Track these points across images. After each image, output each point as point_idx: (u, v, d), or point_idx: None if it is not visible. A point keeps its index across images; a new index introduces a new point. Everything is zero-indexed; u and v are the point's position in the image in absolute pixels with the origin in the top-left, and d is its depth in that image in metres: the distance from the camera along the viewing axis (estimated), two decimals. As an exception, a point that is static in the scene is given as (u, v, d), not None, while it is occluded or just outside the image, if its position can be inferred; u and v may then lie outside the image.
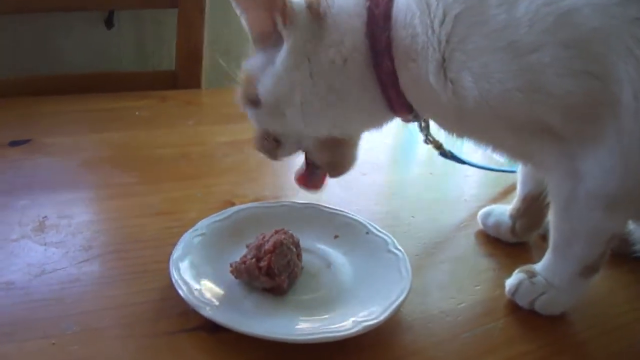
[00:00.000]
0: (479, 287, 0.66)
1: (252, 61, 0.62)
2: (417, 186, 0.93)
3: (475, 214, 0.80)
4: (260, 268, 0.56)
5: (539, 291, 0.61)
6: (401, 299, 0.56)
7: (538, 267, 0.63)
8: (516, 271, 0.64)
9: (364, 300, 0.57)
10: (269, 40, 0.60)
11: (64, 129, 0.96)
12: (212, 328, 0.54)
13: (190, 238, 0.62)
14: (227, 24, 1.40)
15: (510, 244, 0.75)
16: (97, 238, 0.67)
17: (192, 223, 0.68)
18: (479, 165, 0.91)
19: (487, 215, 0.78)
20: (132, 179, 0.82)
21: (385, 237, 0.67)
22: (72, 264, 0.62)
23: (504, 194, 0.92)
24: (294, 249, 0.59)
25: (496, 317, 0.62)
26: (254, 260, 0.56)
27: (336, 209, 0.72)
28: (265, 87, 0.60)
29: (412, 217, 0.81)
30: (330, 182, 0.77)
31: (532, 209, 0.73)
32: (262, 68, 0.61)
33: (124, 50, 1.35)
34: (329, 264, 0.64)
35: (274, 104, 0.61)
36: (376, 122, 0.65)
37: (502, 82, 0.51)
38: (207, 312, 0.52)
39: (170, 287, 0.57)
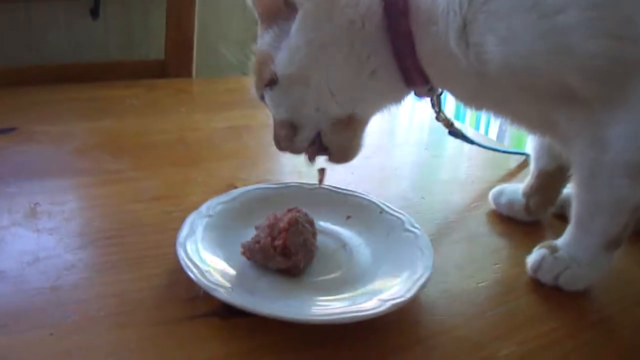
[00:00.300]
0: (498, 266, 0.64)
1: (263, 40, 0.60)
2: (422, 168, 0.90)
3: (484, 194, 0.79)
4: (275, 247, 0.52)
5: (563, 266, 0.59)
6: (426, 276, 0.53)
7: (559, 242, 0.61)
8: (537, 247, 0.62)
9: (386, 279, 0.54)
10: (278, 15, 0.58)
11: (51, 118, 0.91)
12: (224, 313, 0.50)
13: (195, 220, 0.58)
14: (216, 12, 1.37)
15: (522, 223, 0.73)
16: (92, 224, 0.63)
17: (194, 207, 0.64)
18: (486, 146, 0.89)
19: (499, 194, 0.76)
20: (126, 165, 0.77)
21: (401, 216, 0.63)
22: (67, 250, 0.58)
23: (509, 176, 0.91)
24: (310, 227, 0.55)
25: (518, 294, 0.59)
26: (268, 239, 0.52)
27: (346, 190, 0.69)
28: (282, 61, 0.57)
29: (422, 198, 0.78)
30: (333, 167, 0.75)
31: (546, 185, 0.72)
32: (275, 44, 0.58)
33: (111, 41, 1.31)
34: (344, 244, 0.60)
35: (293, 78, 0.58)
36: (390, 96, 0.62)
37: (528, 45, 0.49)
38: (221, 294, 0.48)
39: (176, 273, 0.54)
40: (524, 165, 0.92)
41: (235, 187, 0.70)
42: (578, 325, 0.56)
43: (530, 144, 0.73)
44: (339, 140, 0.62)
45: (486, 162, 0.99)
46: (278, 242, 0.52)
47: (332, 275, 0.55)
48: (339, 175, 0.82)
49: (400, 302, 0.49)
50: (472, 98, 0.60)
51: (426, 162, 0.92)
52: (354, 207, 0.66)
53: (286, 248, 0.52)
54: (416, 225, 0.62)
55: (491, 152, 0.94)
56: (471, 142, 0.83)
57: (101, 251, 0.58)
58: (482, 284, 0.60)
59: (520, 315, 0.57)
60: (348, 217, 0.65)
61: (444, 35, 0.52)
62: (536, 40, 0.49)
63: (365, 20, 0.55)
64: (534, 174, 0.73)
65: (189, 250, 0.53)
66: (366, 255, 0.59)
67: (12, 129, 0.84)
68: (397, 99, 0.62)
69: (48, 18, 1.22)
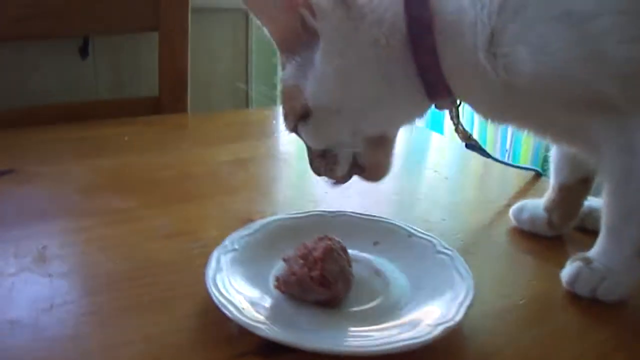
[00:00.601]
0: (531, 282, 0.63)
1: (287, 72, 0.59)
2: (436, 190, 0.88)
3: (502, 212, 0.78)
4: (312, 278, 0.49)
5: (600, 277, 0.57)
6: (470, 297, 0.51)
7: (592, 253, 0.60)
8: (570, 261, 0.60)
9: (428, 304, 0.51)
10: (299, 44, 0.57)
11: (49, 158, 0.88)
12: (265, 351, 0.46)
13: (221, 255, 0.55)
14: (205, 48, 1.36)
15: (545, 238, 0.71)
16: (107, 266, 0.59)
17: (213, 243, 0.61)
18: (501, 160, 0.88)
19: (520, 210, 0.74)
20: (134, 203, 0.74)
21: (431, 239, 0.61)
22: (83, 295, 0.54)
23: (521, 193, 0.89)
24: (344, 255, 0.52)
25: (558, 310, 0.58)
26: (305, 270, 0.49)
27: (370, 215, 0.66)
28: (313, 93, 0.56)
29: (443, 220, 0.76)
30: (351, 192, 0.74)
31: (568, 198, 0.71)
32: (301, 75, 0.57)
33: (100, 80, 1.28)
34: (377, 271, 0.58)
35: (327, 107, 0.57)
36: (416, 110, 0.61)
37: (561, 53, 0.49)
38: (262, 331, 0.45)
39: (206, 312, 0.51)
40: (534, 181, 0.92)
41: (252, 220, 0.67)
42: (625, 336, 0.54)
43: (551, 157, 0.72)
44: (374, 158, 0.61)
45: (496, 180, 0.99)
46: (315, 273, 0.49)
47: (372, 304, 0.52)
48: (354, 202, 0.80)
49: (451, 326, 0.46)
50: (496, 111, 0.59)
51: (438, 184, 0.90)
52: (380, 233, 0.63)
53: (324, 278, 0.49)
54: (448, 247, 0.60)
55: (499, 170, 0.93)
56: (487, 155, 0.82)
57: (121, 294, 0.54)
58: (521, 302, 0.58)
59: (565, 330, 0.55)
60: (376, 243, 0.62)
61: (471, 48, 0.52)
62: (568, 48, 0.49)
63: (390, 38, 0.54)
64: (554, 188, 0.72)
65: (220, 288, 0.50)
66: (402, 281, 0.56)
67: (9, 171, 0.80)
68: (422, 112, 0.62)
69: (36, 58, 1.19)
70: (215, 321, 0.50)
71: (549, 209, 0.71)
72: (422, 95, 0.58)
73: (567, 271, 0.59)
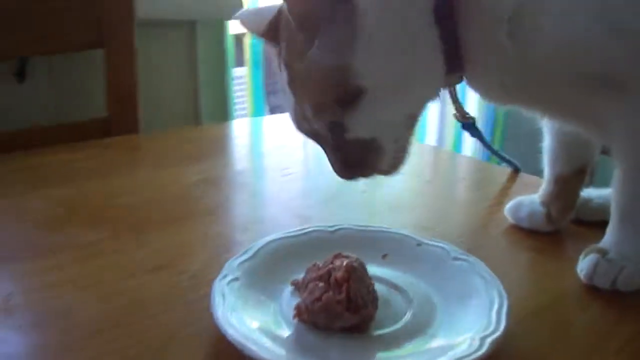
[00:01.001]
0: (548, 281, 0.61)
1: (320, 54, 0.50)
2: (422, 196, 0.85)
3: (494, 211, 0.76)
4: (339, 302, 0.43)
5: (618, 267, 0.56)
6: (506, 303, 0.47)
7: (605, 244, 0.58)
8: (584, 254, 0.58)
9: (464, 317, 0.47)
10: (325, 19, 0.50)
11: (-2, 191, 0.78)
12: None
13: (223, 288, 0.48)
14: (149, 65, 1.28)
15: (544, 234, 0.69)
16: (88, 310, 0.51)
17: (203, 273, 0.56)
18: (491, 147, 0.87)
19: (517, 208, 0.72)
20: (103, 235, 0.66)
21: (443, 245, 0.57)
22: (65, 348, 0.46)
23: (506, 190, 0.88)
24: (367, 273, 0.47)
25: (583, 305, 0.56)
26: (330, 294, 0.44)
27: (370, 226, 0.62)
28: (368, 67, 0.49)
29: (440, 225, 0.72)
30: (336, 206, 0.76)
31: (565, 190, 0.69)
32: (344, 52, 0.49)
33: (41, 104, 1.17)
34: (394, 286, 0.53)
35: (386, 82, 0.51)
36: (441, 80, 0.57)
37: (583, 25, 0.49)
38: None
39: (218, 355, 0.45)
40: (514, 177, 0.90)
41: (240, 244, 0.61)
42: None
43: (545, 150, 0.71)
44: (408, 144, 0.56)
45: (477, 180, 0.97)
46: (341, 296, 0.44)
47: (401, 324, 0.47)
48: (342, 214, 0.75)
49: (499, 337, 0.42)
50: (505, 90, 0.56)
51: (422, 189, 0.87)
52: (386, 244, 0.59)
53: (352, 301, 0.44)
54: (463, 252, 0.56)
55: (476, 169, 0.92)
56: (481, 137, 0.82)
57: (108, 346, 0.46)
58: (545, 302, 0.56)
59: (600, 324, 0.53)
60: (384, 256, 0.57)
61: (491, 21, 0.50)
62: (590, 20, 0.48)
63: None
64: (550, 181, 0.70)
65: (235, 325, 0.43)
66: (424, 293, 0.52)
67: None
68: (441, 86, 0.58)
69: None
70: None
71: (547, 203, 0.69)
72: (443, 68, 0.54)
73: (584, 265, 0.57)
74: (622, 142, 0.54)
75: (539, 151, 0.71)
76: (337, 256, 0.48)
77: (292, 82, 0.53)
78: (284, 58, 0.54)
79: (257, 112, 1.57)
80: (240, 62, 1.58)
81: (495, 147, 0.90)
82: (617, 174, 0.56)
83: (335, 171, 0.55)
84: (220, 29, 1.47)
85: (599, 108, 0.53)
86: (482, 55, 0.53)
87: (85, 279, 0.56)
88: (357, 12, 0.49)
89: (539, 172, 0.76)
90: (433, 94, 0.57)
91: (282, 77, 0.54)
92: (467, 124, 0.76)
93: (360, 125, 0.52)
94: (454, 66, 0.54)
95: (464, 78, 0.57)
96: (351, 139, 0.53)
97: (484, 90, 0.59)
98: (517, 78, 0.54)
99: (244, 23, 0.59)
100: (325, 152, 0.56)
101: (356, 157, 0.54)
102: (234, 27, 1.51)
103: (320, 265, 0.48)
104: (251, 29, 0.60)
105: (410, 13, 0.51)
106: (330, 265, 0.47)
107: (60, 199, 0.76)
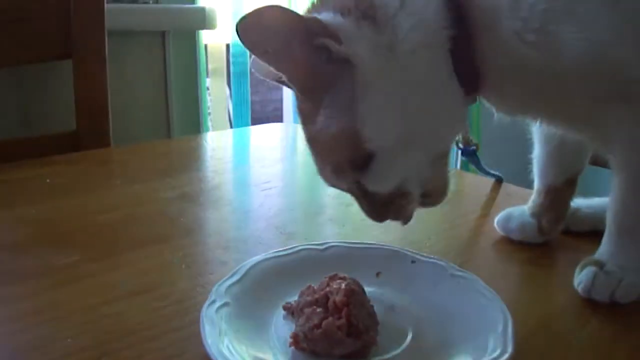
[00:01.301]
0: (546, 294, 0.60)
1: (325, 120, 0.50)
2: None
3: (483, 223, 0.76)
4: (340, 328, 0.41)
5: (617, 279, 0.55)
6: (510, 321, 0.45)
7: (602, 255, 0.57)
8: (580, 266, 0.57)
9: (468, 338, 0.45)
10: (324, 83, 0.50)
11: (-43, 213, 0.72)
12: None
13: (212, 314, 0.45)
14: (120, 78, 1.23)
15: (534, 245, 0.68)
16: (65, 343, 0.47)
17: (188, 297, 0.53)
18: (488, 171, 0.86)
19: (506, 220, 0.71)
20: (77, 257, 0.61)
21: (439, 262, 0.56)
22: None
23: (490, 200, 0.87)
24: (366, 296, 0.45)
25: (586, 319, 0.54)
26: (330, 320, 0.41)
27: (361, 243, 0.59)
28: (377, 132, 0.49)
29: (429, 239, 0.71)
30: (321, 221, 0.74)
31: (556, 201, 0.69)
32: (348, 115, 0.49)
33: (5, 117, 1.12)
34: (392, 307, 0.50)
35: (397, 141, 0.50)
36: (464, 111, 0.56)
37: (605, 32, 0.48)
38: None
39: None
40: (497, 187, 0.90)
41: (224, 263, 0.58)
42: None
43: (535, 161, 0.70)
44: (441, 180, 0.57)
45: (462, 191, 0.95)
46: (341, 322, 0.41)
47: (403, 347, 0.45)
48: (329, 230, 0.73)
49: (508, 357, 0.40)
50: (523, 101, 0.56)
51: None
52: (379, 261, 0.57)
53: (353, 326, 0.41)
54: (459, 268, 0.54)
55: (462, 180, 0.92)
56: (478, 164, 0.82)
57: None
58: (545, 314, 0.55)
59: (601, 340, 0.52)
60: (378, 274, 0.55)
61: (512, 32, 0.49)
62: (612, 27, 0.48)
63: (432, 37, 0.50)
64: (541, 192, 0.70)
65: (229, 355, 0.40)
66: (423, 313, 0.50)
67: None
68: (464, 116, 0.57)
69: None
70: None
71: (537, 214, 0.69)
72: (462, 94, 0.54)
73: (582, 278, 0.56)
74: (625, 152, 0.53)
75: (515, 157, 0.71)
76: (332, 278, 0.46)
77: (309, 142, 0.53)
78: (301, 117, 0.54)
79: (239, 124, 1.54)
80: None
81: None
82: (615, 184, 0.55)
83: (368, 216, 0.56)
84: (192, 40, 1.44)
85: (606, 116, 0.53)
86: (504, 70, 0.52)
87: (59, 308, 0.52)
88: (356, 70, 0.48)
89: (516, 177, 0.75)
90: (460, 127, 0.58)
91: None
92: (469, 150, 0.76)
93: (379, 183, 0.52)
94: (471, 90, 0.54)
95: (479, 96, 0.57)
96: (375, 192, 0.53)
97: (499, 104, 0.58)
98: (536, 88, 0.53)
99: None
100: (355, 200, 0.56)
101: (385, 204, 0.53)
102: (207, 37, 1.48)
103: (316, 288, 0.46)
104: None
105: (416, 57, 0.50)
106: (327, 289, 0.44)
107: (27, 219, 0.71)
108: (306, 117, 0.52)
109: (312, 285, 0.46)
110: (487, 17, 0.50)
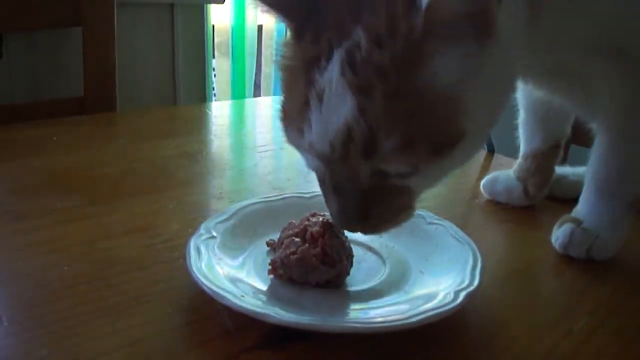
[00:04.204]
0: (523, 249, 0.62)
1: (439, 73, 0.37)
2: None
3: (471, 187, 0.77)
4: (315, 256, 0.43)
5: (593, 236, 0.56)
6: (480, 262, 0.47)
7: (580, 214, 0.59)
8: (558, 223, 0.59)
9: (438, 274, 0.47)
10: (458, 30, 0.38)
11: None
12: (272, 343, 0.40)
13: (199, 244, 0.48)
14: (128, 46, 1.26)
15: (519, 208, 0.70)
16: (61, 269, 0.50)
17: (179, 236, 0.56)
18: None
19: (493, 183, 0.73)
20: (78, 202, 0.65)
21: (419, 212, 0.57)
22: (35, 305, 0.45)
23: (483, 169, 0.89)
24: (341, 230, 0.47)
25: (561, 270, 0.57)
26: (306, 247, 0.44)
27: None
28: (483, 109, 0.40)
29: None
30: (312, 179, 0.63)
31: (542, 165, 0.70)
32: (463, 81, 0.38)
33: (17, 82, 1.15)
34: (369, 248, 0.53)
35: (490, 125, 0.43)
36: None
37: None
38: (273, 318, 0.38)
39: (192, 309, 0.45)
40: (489, 157, 0.91)
41: (217, 210, 0.61)
42: (629, 288, 0.53)
43: (520, 126, 0.72)
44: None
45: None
46: (316, 250, 0.44)
47: (376, 281, 0.48)
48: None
49: (473, 291, 0.43)
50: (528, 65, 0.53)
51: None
52: (363, 210, 0.59)
53: (327, 255, 0.44)
54: (439, 218, 0.56)
55: None
56: None
57: (87, 297, 0.46)
58: (520, 264, 0.57)
59: (572, 289, 0.54)
60: (361, 221, 0.57)
61: None
62: None
63: None
64: (527, 156, 0.71)
65: (211, 277, 0.43)
66: (400, 254, 0.52)
67: None
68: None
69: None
70: (204, 317, 0.43)
71: (523, 178, 0.70)
72: None
73: (559, 234, 0.58)
74: (612, 115, 0.54)
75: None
76: (313, 215, 0.48)
77: (367, 93, 0.37)
78: (362, 50, 0.37)
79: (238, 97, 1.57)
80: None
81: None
82: (596, 145, 0.57)
83: (344, 221, 0.42)
84: (200, 13, 1.46)
85: (599, 78, 0.54)
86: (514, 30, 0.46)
87: (58, 241, 0.56)
88: (493, 35, 0.38)
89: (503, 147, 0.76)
90: None
91: (334, 73, 0.38)
92: None
93: (430, 177, 0.42)
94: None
95: None
96: (405, 188, 0.42)
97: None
98: (543, 50, 0.51)
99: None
100: (329, 190, 0.43)
101: (385, 209, 0.43)
102: (214, 13, 1.50)
103: (297, 223, 0.48)
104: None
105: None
106: (307, 223, 0.47)
107: (37, 169, 0.74)
108: (406, 61, 0.37)
109: (294, 221, 0.49)
110: None
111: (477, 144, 0.43)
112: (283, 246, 0.45)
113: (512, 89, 0.46)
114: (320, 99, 0.38)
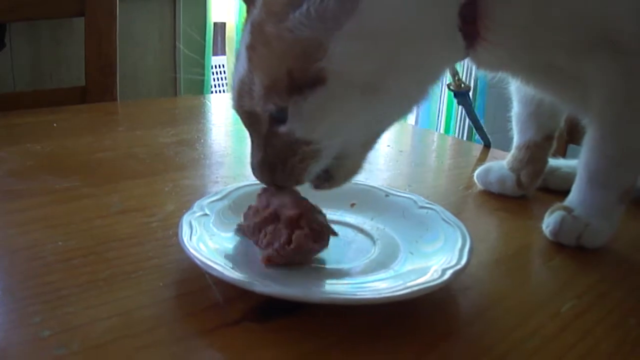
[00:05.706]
0: (514, 236, 0.62)
1: (298, 20, 0.43)
2: (395, 162, 0.86)
3: (465, 178, 0.78)
4: (308, 236, 0.44)
5: (583, 225, 0.57)
6: (469, 242, 0.48)
7: (571, 202, 0.60)
8: (550, 211, 0.60)
9: (428, 254, 0.48)
10: None
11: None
12: (259, 316, 0.41)
13: (192, 220, 0.49)
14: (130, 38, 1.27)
15: (512, 197, 0.71)
16: (57, 245, 0.51)
17: (173, 216, 0.57)
18: (478, 121, 0.88)
19: (486, 173, 0.74)
20: (77, 183, 0.66)
21: (411, 196, 0.58)
22: (36, 274, 0.46)
23: (479, 161, 0.90)
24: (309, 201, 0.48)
25: (551, 256, 0.57)
26: (298, 232, 0.44)
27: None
28: (346, 54, 0.42)
29: (410, 185, 0.74)
30: None
31: (535, 156, 0.71)
32: (324, 27, 0.42)
33: (19, 71, 1.16)
34: (361, 230, 0.54)
35: (359, 78, 0.44)
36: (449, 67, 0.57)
37: None
38: (266, 288, 0.39)
39: (183, 283, 0.46)
40: (486, 151, 0.92)
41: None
42: (617, 275, 0.54)
43: (515, 118, 0.72)
44: (356, 164, 0.51)
45: (451, 151, 0.99)
46: (306, 231, 0.44)
47: (366, 260, 0.48)
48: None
49: (460, 270, 0.44)
50: (513, 58, 0.55)
51: (395, 157, 0.88)
52: (355, 194, 0.59)
53: (316, 231, 0.45)
54: (430, 202, 0.57)
55: (450, 143, 0.94)
56: (471, 110, 0.84)
57: (81, 270, 0.47)
58: (509, 253, 0.57)
59: (560, 274, 0.54)
60: (353, 204, 0.58)
61: None
62: None
63: None
64: (520, 147, 0.72)
65: (202, 249, 0.44)
66: (390, 235, 0.53)
67: None
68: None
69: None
70: (195, 290, 0.44)
71: (516, 169, 0.71)
72: (463, 50, 0.51)
73: (550, 221, 0.58)
74: (603, 104, 0.55)
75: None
76: (265, 193, 0.48)
77: (253, 47, 0.45)
78: (255, 17, 0.45)
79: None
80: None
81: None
82: (588, 134, 0.57)
83: (252, 167, 0.48)
84: (202, 7, 1.47)
85: (588, 68, 0.54)
86: (502, 26, 0.50)
87: (54, 219, 0.56)
88: None
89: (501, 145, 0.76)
90: (425, 94, 0.51)
91: (243, 39, 0.46)
92: (461, 92, 0.75)
93: (309, 120, 0.45)
94: (469, 47, 0.51)
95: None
96: (285, 134, 0.45)
97: (486, 61, 0.56)
98: (529, 43, 0.52)
99: None
100: (251, 141, 0.49)
101: (282, 158, 0.46)
102: (215, 8, 1.51)
103: (258, 207, 0.48)
104: None
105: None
106: (272, 208, 0.46)
107: (35, 153, 0.75)
108: (271, 14, 0.44)
109: (252, 205, 0.49)
110: None
111: (359, 95, 0.44)
112: (269, 236, 0.45)
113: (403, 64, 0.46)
114: (237, 59, 0.47)
